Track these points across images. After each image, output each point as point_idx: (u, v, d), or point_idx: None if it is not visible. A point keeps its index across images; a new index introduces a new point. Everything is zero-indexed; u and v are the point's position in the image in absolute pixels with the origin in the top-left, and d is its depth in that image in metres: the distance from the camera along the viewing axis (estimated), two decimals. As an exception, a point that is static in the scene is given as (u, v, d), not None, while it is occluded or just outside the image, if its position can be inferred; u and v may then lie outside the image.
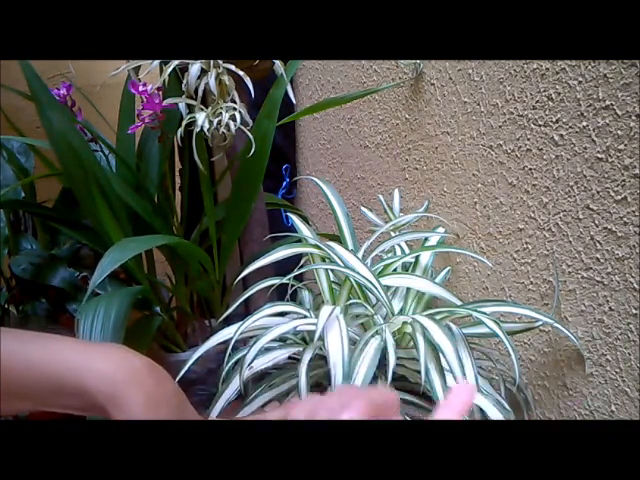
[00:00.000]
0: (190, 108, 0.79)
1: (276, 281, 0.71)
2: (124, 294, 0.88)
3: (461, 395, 0.34)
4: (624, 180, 0.57)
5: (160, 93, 0.85)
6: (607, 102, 0.57)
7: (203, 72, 0.75)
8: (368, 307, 0.66)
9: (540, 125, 0.65)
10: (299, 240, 0.75)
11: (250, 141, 0.82)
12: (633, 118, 0.55)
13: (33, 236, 1.14)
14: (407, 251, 0.77)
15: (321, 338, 0.57)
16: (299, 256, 0.77)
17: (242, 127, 0.80)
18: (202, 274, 0.98)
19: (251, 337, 0.68)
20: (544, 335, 0.70)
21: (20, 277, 1.04)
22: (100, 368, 0.36)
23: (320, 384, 0.67)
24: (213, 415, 0.63)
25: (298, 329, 0.63)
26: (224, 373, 0.67)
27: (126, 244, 0.81)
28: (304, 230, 0.76)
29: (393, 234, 0.78)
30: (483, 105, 0.74)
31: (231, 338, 0.64)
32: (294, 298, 0.79)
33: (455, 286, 0.84)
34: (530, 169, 0.68)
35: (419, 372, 0.54)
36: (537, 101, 0.65)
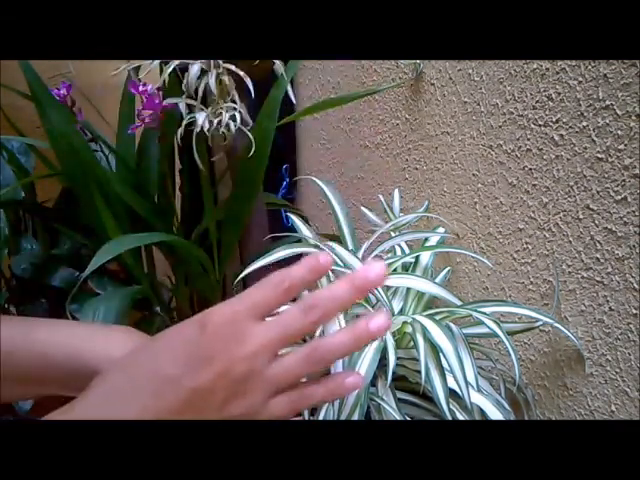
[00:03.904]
0: (190, 108, 0.79)
1: (276, 281, 0.70)
2: (124, 294, 0.88)
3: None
4: (624, 180, 0.57)
5: (160, 93, 0.85)
6: (607, 102, 0.57)
7: (203, 72, 0.75)
8: (368, 307, 0.66)
9: (540, 125, 0.65)
10: (299, 240, 0.75)
11: (250, 141, 0.82)
12: (633, 118, 0.55)
13: (33, 236, 1.14)
14: (407, 251, 0.77)
15: (321, 338, 0.57)
16: (299, 256, 0.77)
17: (242, 127, 0.80)
18: (202, 274, 0.98)
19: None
20: (544, 335, 0.70)
21: (20, 277, 1.04)
22: (111, 350, 0.37)
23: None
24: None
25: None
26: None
27: (123, 239, 0.82)
28: (304, 230, 0.76)
29: (393, 234, 0.78)
30: (483, 105, 0.74)
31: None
32: (294, 298, 0.78)
33: (455, 286, 0.84)
34: (530, 169, 0.68)
35: (419, 372, 0.54)
36: (537, 101, 0.65)
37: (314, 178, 0.82)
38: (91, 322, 0.77)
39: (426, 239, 0.78)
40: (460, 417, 0.58)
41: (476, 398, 0.59)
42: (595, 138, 0.59)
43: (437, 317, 0.65)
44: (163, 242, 0.94)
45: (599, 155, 0.59)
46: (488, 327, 0.59)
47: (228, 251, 0.98)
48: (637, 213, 0.56)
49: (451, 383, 0.56)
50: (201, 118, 0.76)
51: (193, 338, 0.30)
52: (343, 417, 0.53)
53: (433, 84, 0.83)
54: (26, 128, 1.05)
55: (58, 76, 1.01)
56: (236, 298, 0.31)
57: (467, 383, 0.55)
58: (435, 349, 0.57)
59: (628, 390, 0.60)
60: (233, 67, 0.76)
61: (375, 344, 0.58)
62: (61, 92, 0.97)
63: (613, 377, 0.61)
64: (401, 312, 0.69)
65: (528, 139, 0.67)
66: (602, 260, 0.60)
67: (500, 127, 0.71)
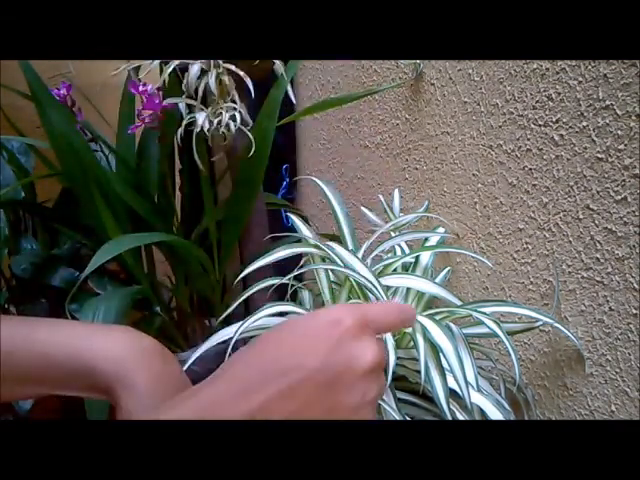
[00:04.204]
0: (190, 108, 0.79)
1: (276, 281, 0.71)
2: (124, 294, 0.88)
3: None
4: (624, 180, 0.57)
5: (160, 93, 0.85)
6: (607, 102, 0.57)
7: (203, 72, 0.75)
8: (368, 307, 0.66)
9: (540, 125, 0.65)
10: (299, 240, 0.75)
11: (250, 141, 0.82)
12: (633, 118, 0.55)
13: (33, 236, 1.14)
14: (407, 251, 0.77)
15: (321, 338, 0.57)
16: (299, 256, 0.77)
17: (242, 127, 0.80)
18: (202, 274, 0.98)
19: (251, 337, 0.68)
20: (544, 335, 0.70)
21: (20, 277, 1.04)
22: (110, 350, 0.37)
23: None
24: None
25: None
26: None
27: (122, 239, 0.82)
28: (304, 230, 0.76)
29: (393, 234, 0.78)
30: (483, 105, 0.74)
31: (231, 338, 0.64)
32: (294, 298, 0.79)
33: (455, 286, 0.84)
34: (530, 169, 0.68)
35: (419, 372, 0.54)
36: (537, 101, 0.65)
37: (314, 178, 0.82)
38: (91, 322, 0.77)
39: (426, 239, 0.78)
40: (460, 417, 0.58)
41: (476, 398, 0.59)
42: (595, 138, 0.59)
43: (437, 317, 0.65)
44: (163, 242, 0.94)
45: (599, 155, 0.59)
46: (488, 327, 0.59)
47: (228, 251, 0.98)
48: (637, 213, 0.56)
49: (451, 383, 0.56)
50: (201, 118, 0.76)
51: (331, 334, 0.31)
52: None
53: (433, 84, 0.83)
54: (26, 128, 1.05)
55: (58, 76, 1.01)
56: (366, 306, 0.34)
57: (467, 383, 0.55)
58: (435, 349, 0.57)
59: (628, 390, 0.60)
60: (233, 67, 0.76)
61: (375, 344, 0.58)
62: (61, 92, 0.97)
63: (613, 377, 0.61)
64: (401, 312, 0.69)
65: (528, 139, 0.67)
66: (602, 260, 0.60)
67: (500, 127, 0.71)
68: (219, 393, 0.30)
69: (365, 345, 0.31)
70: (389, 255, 0.75)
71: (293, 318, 0.33)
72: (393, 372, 0.56)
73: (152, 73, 0.78)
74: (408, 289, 0.70)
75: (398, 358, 0.59)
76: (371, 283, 0.61)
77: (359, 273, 0.62)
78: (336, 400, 0.30)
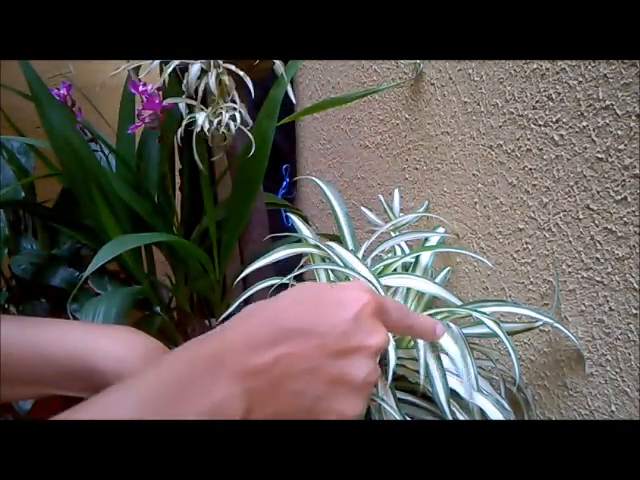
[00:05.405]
0: (190, 108, 0.79)
1: (276, 281, 0.71)
2: (124, 294, 0.88)
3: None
4: (624, 180, 0.57)
5: (160, 93, 0.85)
6: (607, 102, 0.57)
7: (203, 72, 0.75)
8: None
9: (540, 125, 0.65)
10: (299, 240, 0.75)
11: (250, 141, 0.82)
12: (633, 118, 0.55)
13: (33, 236, 1.14)
14: (407, 251, 0.77)
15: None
16: (299, 256, 0.77)
17: (242, 127, 0.80)
18: (202, 274, 0.98)
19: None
20: (544, 335, 0.70)
21: (20, 277, 1.04)
22: (111, 350, 0.37)
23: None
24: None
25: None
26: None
27: (123, 239, 0.82)
28: (304, 230, 0.76)
29: (393, 234, 0.78)
30: (483, 105, 0.74)
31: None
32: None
33: (455, 286, 0.84)
34: (530, 169, 0.68)
35: (419, 372, 0.54)
36: (537, 101, 0.65)
37: (314, 178, 0.82)
38: (91, 322, 0.77)
39: (426, 239, 0.78)
40: (460, 417, 0.58)
41: (476, 398, 0.59)
42: (595, 138, 0.59)
43: (437, 317, 0.65)
44: (163, 242, 0.94)
45: (599, 155, 0.59)
46: (488, 327, 0.59)
47: (228, 251, 0.98)
48: (637, 213, 0.56)
49: (452, 383, 0.56)
50: (201, 118, 0.76)
51: (352, 308, 0.32)
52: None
53: (433, 84, 0.83)
54: (26, 128, 1.05)
55: (58, 76, 1.01)
56: (387, 299, 0.35)
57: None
58: (435, 349, 0.57)
59: (628, 390, 0.60)
60: (233, 67, 0.76)
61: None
62: (61, 92, 0.97)
63: (613, 377, 0.61)
64: (401, 312, 0.69)
65: (528, 139, 0.67)
66: (602, 260, 0.60)
67: (500, 127, 0.71)
68: (226, 344, 0.30)
69: (379, 328, 0.32)
70: (389, 255, 0.75)
71: (317, 283, 0.34)
72: (393, 372, 0.56)
73: (152, 73, 0.78)
74: (408, 289, 0.70)
75: (398, 358, 0.59)
76: (371, 283, 0.61)
77: (359, 273, 0.62)
78: (343, 371, 0.31)
